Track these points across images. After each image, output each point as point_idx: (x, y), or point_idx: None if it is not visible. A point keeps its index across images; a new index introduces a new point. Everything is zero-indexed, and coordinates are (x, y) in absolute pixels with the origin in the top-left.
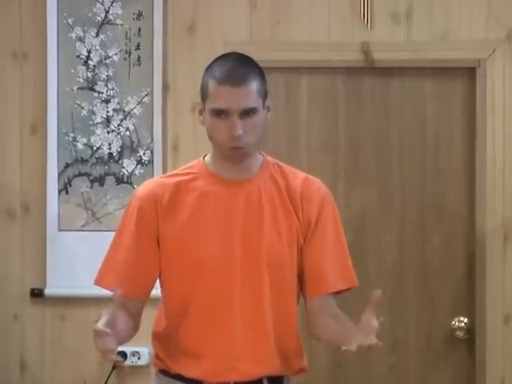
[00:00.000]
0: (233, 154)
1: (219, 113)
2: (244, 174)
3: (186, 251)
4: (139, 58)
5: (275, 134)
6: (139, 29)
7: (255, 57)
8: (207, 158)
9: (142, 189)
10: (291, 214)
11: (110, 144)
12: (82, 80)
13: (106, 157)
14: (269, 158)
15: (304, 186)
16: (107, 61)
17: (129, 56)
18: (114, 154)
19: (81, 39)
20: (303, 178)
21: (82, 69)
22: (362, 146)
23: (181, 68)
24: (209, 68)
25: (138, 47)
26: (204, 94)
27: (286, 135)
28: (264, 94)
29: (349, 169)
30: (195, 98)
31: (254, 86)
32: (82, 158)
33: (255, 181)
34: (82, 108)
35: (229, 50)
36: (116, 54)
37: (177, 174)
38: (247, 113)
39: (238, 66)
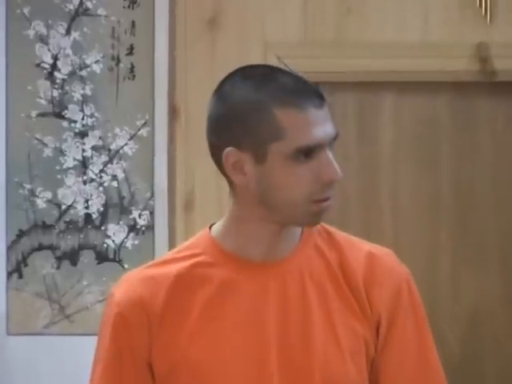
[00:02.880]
0: (318, 211)
1: (307, 153)
2: (280, 250)
3: (196, 381)
4: (133, 67)
5: (340, 181)
6: (133, 23)
7: (312, 65)
8: (216, 229)
9: (122, 289)
10: (352, 309)
11: (87, 201)
12: (44, 102)
13: (81, 220)
14: None
15: (369, 264)
16: (83, 72)
17: (117, 65)
18: (94, 217)
19: (43, 39)
20: (367, 251)
21: (44, 84)
22: (478, 201)
23: (197, 83)
24: (236, 96)
25: (130, 51)
26: (263, 135)
27: (359, 182)
28: None
29: (457, 238)
30: None
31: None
32: (44, 222)
33: (295, 260)
34: (45, 145)
35: (270, 54)
36: (97, 62)
37: (173, 260)
38: (331, 144)
39: (295, 77)
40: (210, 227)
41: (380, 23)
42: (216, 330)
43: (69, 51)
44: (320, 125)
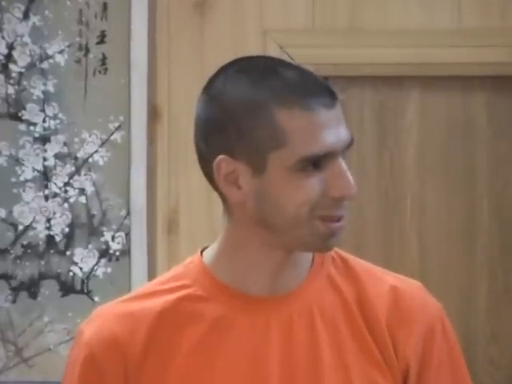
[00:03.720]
0: (328, 233)
1: (316, 162)
2: (285, 282)
3: None
4: (104, 58)
5: (357, 198)
6: (104, 5)
7: (321, 57)
8: (208, 255)
9: (93, 326)
10: (373, 355)
11: (49, 220)
12: None
13: (41, 244)
14: None
15: (394, 300)
16: (45, 64)
17: (85, 55)
18: (58, 239)
19: None
20: (390, 284)
21: None
22: None
23: (182, 79)
24: (229, 94)
25: (101, 39)
26: (262, 141)
27: (377, 196)
28: None
29: (496, 265)
30: None
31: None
32: None
33: (303, 294)
34: None
35: (271, 44)
36: (61, 52)
37: (156, 293)
38: (345, 152)
39: (303, 72)
40: (202, 252)
41: (403, 6)
42: (207, 379)
43: (27, 39)
44: (331, 128)
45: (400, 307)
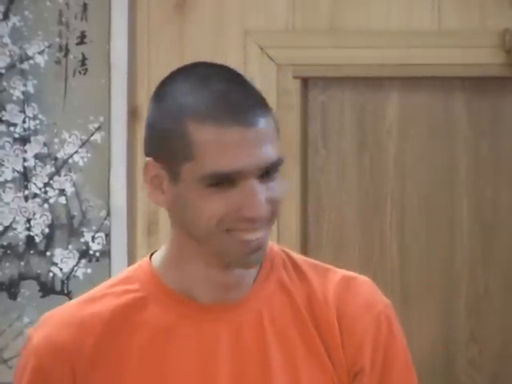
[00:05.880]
0: (245, 251)
1: (224, 180)
2: (233, 289)
3: None
4: (84, 59)
5: (337, 199)
6: (84, 5)
7: (301, 57)
8: (157, 259)
9: (42, 333)
10: (322, 360)
11: (29, 221)
12: None
13: (21, 244)
14: (273, 246)
15: (341, 294)
16: (24, 65)
17: (65, 56)
18: (38, 240)
19: None
20: (338, 280)
21: None
22: (503, 223)
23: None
24: (168, 98)
25: (81, 40)
26: (176, 151)
27: (357, 199)
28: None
29: (477, 268)
30: None
31: (271, 120)
32: None
33: (252, 301)
34: None
35: (251, 45)
36: (41, 53)
37: (104, 296)
38: (270, 172)
39: (236, 86)
40: (151, 256)
41: (384, 7)
42: None
43: (6, 40)
44: (244, 147)
45: (348, 301)
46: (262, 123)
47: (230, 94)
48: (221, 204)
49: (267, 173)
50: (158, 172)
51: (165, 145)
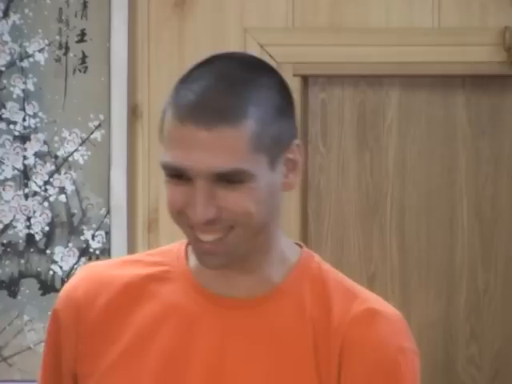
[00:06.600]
0: (199, 250)
1: (176, 174)
2: (244, 287)
3: None
4: (84, 57)
5: (337, 197)
6: (84, 3)
7: (301, 55)
8: None
9: (70, 283)
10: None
11: (29, 219)
12: None
13: (21, 243)
14: (314, 255)
15: (355, 327)
16: (24, 63)
17: (65, 54)
18: (38, 238)
19: None
20: (362, 309)
21: None
22: (503, 221)
23: (162, 77)
24: (178, 83)
25: (81, 38)
26: (159, 134)
27: (358, 197)
28: (281, 140)
29: (477, 266)
30: None
31: (249, 125)
32: None
33: (263, 306)
34: None
35: (251, 42)
36: (41, 51)
37: (138, 263)
38: (229, 179)
39: (223, 86)
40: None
41: (384, 5)
42: (137, 366)
43: (6, 37)
44: (192, 147)
45: (356, 339)
46: (223, 130)
47: (209, 92)
48: (176, 196)
49: (227, 180)
50: None
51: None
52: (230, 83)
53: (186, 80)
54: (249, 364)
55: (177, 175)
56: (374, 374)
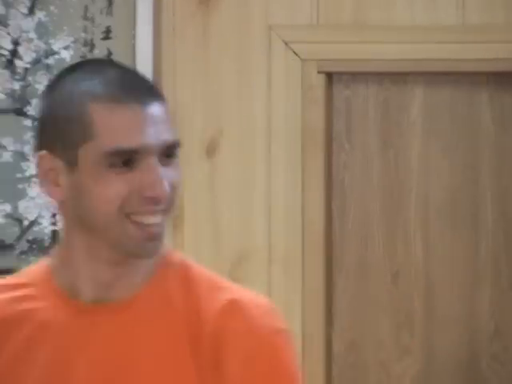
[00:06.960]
0: (142, 237)
1: (124, 158)
2: (118, 289)
3: None
4: (110, 54)
5: (362, 194)
6: (109, 1)
7: (325, 52)
8: (53, 256)
9: None
10: (188, 373)
11: (54, 215)
12: (2, 96)
13: (47, 239)
14: (176, 251)
15: (224, 317)
16: (50, 60)
17: (90, 51)
18: None
19: (0, 20)
20: (228, 299)
21: (2, 75)
22: None
23: (187, 75)
24: (62, 87)
25: (107, 35)
26: (74, 134)
27: (382, 194)
28: None
29: (500, 263)
30: (214, 127)
31: (166, 108)
32: (2, 241)
33: (134, 307)
34: (3, 148)
35: (276, 40)
36: (66, 48)
37: (1, 287)
38: (169, 153)
39: (130, 72)
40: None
41: (408, 2)
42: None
43: (32, 35)
44: (144, 125)
45: (227, 326)
46: (157, 105)
47: (124, 77)
48: (121, 186)
49: (167, 156)
50: (53, 164)
51: (60, 132)
52: (132, 71)
53: (94, 77)
54: (131, 368)
55: (125, 161)
56: (254, 360)
